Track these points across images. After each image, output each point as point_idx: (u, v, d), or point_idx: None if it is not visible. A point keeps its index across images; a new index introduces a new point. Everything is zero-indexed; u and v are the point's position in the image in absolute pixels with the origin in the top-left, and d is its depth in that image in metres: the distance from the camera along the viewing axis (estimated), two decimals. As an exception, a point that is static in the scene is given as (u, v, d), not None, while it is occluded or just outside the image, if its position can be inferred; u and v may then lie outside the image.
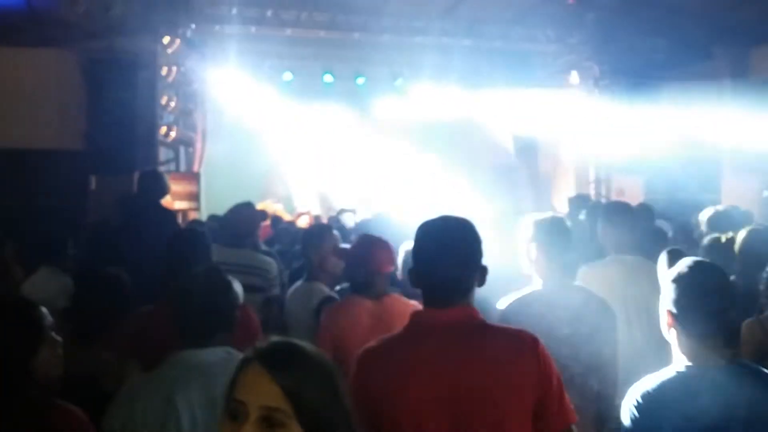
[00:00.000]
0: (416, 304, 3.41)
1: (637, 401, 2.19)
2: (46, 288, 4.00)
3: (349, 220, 9.53)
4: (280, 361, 1.39)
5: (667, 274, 2.32)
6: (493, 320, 2.72)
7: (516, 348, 2.10)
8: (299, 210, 12.26)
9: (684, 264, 2.28)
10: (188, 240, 3.51)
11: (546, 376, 2.08)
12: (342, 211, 10.85)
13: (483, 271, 2.18)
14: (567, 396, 2.15)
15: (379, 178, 13.84)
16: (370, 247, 3.51)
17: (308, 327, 3.83)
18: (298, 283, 4.16)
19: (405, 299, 3.45)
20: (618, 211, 4.10)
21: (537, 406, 2.06)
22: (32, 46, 8.78)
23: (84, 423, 2.12)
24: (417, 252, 2.20)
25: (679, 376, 2.20)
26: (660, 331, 3.51)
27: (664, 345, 3.24)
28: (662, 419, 2.13)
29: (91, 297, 2.99)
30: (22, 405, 2.02)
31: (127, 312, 3.08)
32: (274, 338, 1.45)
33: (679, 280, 2.25)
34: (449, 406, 2.01)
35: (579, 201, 5.73)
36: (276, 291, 4.33)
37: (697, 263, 2.29)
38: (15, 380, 2.05)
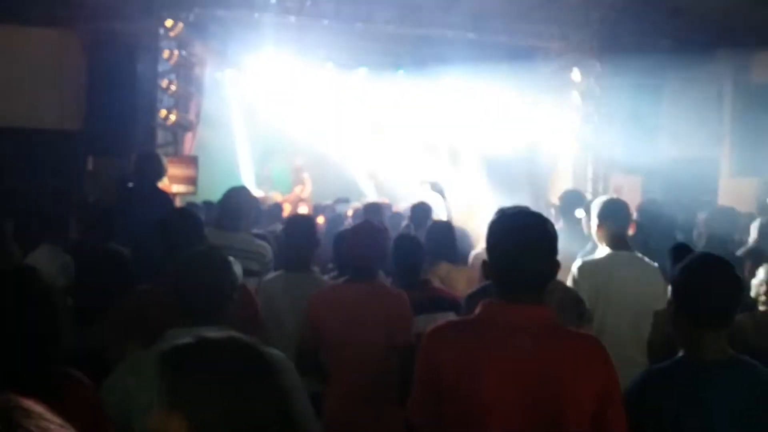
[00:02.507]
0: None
1: (639, 392, 2.21)
2: (46, 266, 3.99)
3: (345, 210, 9.55)
4: None
5: (674, 268, 2.32)
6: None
7: (586, 355, 2.10)
8: (299, 197, 12.25)
9: (693, 258, 2.29)
10: (182, 220, 3.51)
11: (611, 386, 2.08)
12: (337, 201, 10.87)
13: (557, 266, 2.16)
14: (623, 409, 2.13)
15: (378, 171, 13.82)
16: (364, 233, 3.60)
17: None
18: (283, 273, 4.13)
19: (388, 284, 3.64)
20: (611, 208, 4.11)
21: (597, 414, 2.05)
22: (35, 25, 8.76)
23: (93, 393, 2.14)
24: (496, 244, 2.17)
25: (681, 368, 2.22)
26: (644, 329, 3.56)
27: (644, 342, 3.25)
28: (662, 410, 2.15)
29: (94, 274, 2.99)
30: (44, 376, 2.02)
31: (128, 289, 3.07)
32: None
33: (687, 274, 2.25)
34: (513, 400, 2.02)
35: (572, 197, 5.65)
36: (271, 275, 4.32)
37: (706, 257, 2.29)
38: (42, 350, 2.04)
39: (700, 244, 4.65)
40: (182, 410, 1.42)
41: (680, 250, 2.38)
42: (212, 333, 1.52)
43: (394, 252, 4.01)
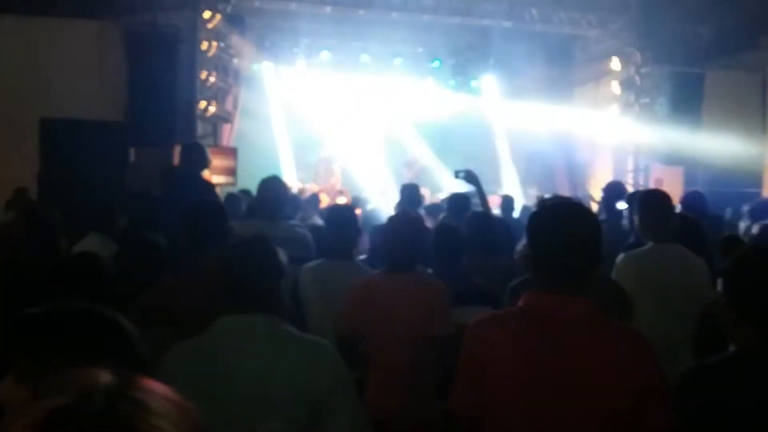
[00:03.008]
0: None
1: (687, 388, 2.18)
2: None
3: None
4: None
5: (725, 260, 2.27)
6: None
7: (627, 348, 2.06)
8: (336, 188, 12.29)
9: (744, 250, 2.24)
10: (209, 212, 3.54)
11: (654, 380, 2.02)
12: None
13: (600, 258, 2.12)
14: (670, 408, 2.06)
15: (412, 161, 13.79)
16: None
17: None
18: (325, 260, 4.12)
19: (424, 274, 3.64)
20: (654, 199, 4.06)
21: (639, 408, 2.00)
22: (75, 17, 8.91)
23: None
24: (538, 236, 2.14)
25: (732, 364, 2.18)
26: (688, 323, 3.51)
27: (688, 337, 3.19)
28: (711, 406, 2.12)
29: (133, 262, 3.05)
30: None
31: (158, 279, 3.13)
32: None
33: (737, 267, 2.21)
34: (545, 393, 2.00)
35: (614, 189, 5.58)
36: (312, 263, 4.35)
37: (757, 249, 2.24)
38: None
39: (747, 237, 4.56)
40: (25, 380, 1.41)
41: (730, 242, 2.34)
42: (80, 305, 1.50)
43: (434, 243, 3.99)
